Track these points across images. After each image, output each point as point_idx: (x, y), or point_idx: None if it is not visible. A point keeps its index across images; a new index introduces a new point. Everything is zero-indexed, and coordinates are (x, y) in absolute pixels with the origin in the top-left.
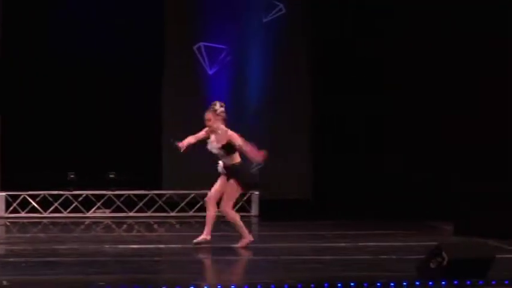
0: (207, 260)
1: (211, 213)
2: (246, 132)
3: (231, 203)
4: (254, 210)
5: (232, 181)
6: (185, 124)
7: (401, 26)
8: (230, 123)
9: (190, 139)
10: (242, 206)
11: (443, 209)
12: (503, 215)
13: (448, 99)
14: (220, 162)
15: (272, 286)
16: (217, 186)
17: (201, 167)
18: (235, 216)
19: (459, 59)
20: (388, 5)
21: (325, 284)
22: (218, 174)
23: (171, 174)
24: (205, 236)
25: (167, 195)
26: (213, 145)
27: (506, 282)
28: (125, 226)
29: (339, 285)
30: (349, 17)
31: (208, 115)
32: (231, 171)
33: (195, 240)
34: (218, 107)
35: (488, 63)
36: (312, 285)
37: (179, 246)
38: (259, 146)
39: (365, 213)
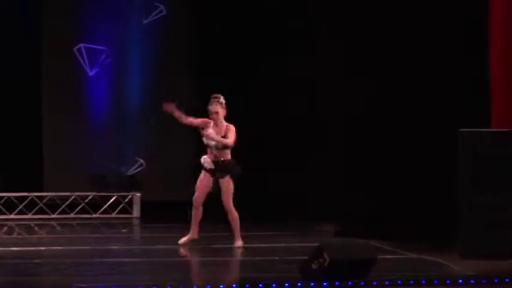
0: (88, 262)
1: (199, 212)
2: (127, 133)
3: (232, 199)
4: (136, 212)
5: (227, 178)
6: (66, 125)
7: (282, 28)
8: (112, 125)
9: (192, 120)
10: (123, 208)
11: (325, 210)
12: (384, 216)
13: (329, 97)
14: (207, 158)
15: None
16: (203, 186)
17: (82, 168)
18: (237, 215)
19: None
20: (272, 2)
21: (208, 286)
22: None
23: (52, 176)
24: (192, 236)
25: (48, 197)
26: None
27: (387, 282)
28: (5, 228)
29: (222, 286)
30: (230, 17)
31: (216, 108)
32: (222, 167)
33: (180, 241)
34: (222, 99)
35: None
36: (195, 287)
37: (60, 248)
38: (141, 148)
39: (247, 215)
